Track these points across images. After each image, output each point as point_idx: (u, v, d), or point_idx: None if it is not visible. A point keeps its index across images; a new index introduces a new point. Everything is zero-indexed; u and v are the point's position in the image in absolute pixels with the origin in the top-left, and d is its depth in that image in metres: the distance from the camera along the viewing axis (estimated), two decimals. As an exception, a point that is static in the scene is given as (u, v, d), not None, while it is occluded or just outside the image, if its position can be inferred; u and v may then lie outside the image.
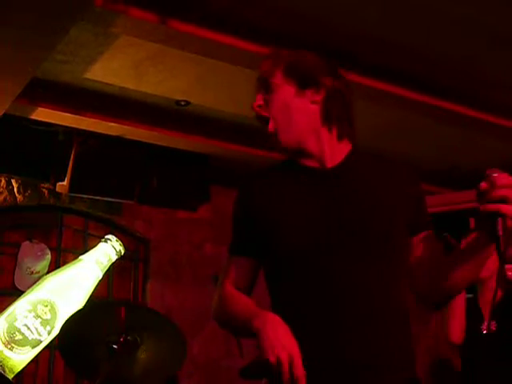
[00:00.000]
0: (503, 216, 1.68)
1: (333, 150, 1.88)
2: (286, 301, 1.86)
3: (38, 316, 3.49)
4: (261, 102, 1.90)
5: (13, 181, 4.41)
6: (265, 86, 1.90)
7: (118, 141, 4.27)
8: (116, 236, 3.92)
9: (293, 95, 1.87)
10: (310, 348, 1.69)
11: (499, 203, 1.68)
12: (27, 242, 4.41)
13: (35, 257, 4.37)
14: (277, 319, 1.72)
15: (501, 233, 1.69)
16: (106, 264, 3.81)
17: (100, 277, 3.78)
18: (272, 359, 1.62)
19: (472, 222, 4.13)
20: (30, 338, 3.47)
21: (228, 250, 2.03)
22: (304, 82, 1.86)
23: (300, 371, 1.62)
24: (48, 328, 3.50)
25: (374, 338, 1.75)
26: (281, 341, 1.66)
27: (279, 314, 1.75)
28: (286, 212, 1.85)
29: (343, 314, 1.76)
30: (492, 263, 1.91)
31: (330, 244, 1.79)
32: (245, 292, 1.95)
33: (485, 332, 3.18)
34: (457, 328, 3.27)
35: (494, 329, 3.14)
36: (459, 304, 3.27)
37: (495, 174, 1.73)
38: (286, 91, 1.87)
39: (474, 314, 3.29)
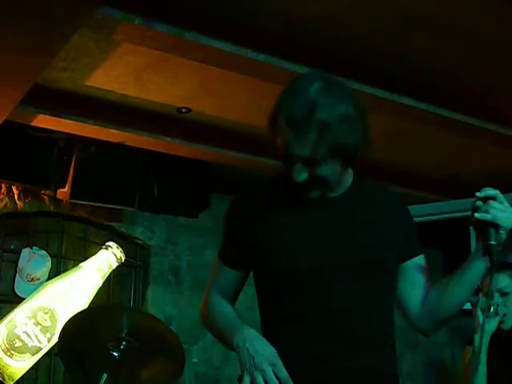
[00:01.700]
0: (495, 226, 1.74)
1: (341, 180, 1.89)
2: (273, 315, 1.90)
3: (38, 323, 3.49)
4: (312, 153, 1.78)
5: (13, 187, 4.40)
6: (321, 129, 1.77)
7: (119, 148, 4.27)
8: (116, 243, 3.93)
9: None
10: (294, 362, 1.75)
11: (489, 213, 1.77)
12: (28, 249, 4.41)
13: (36, 264, 4.37)
14: (255, 335, 1.80)
15: (492, 242, 1.74)
16: (107, 271, 3.81)
17: (100, 284, 3.78)
18: (245, 379, 1.73)
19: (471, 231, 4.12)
20: (29, 345, 3.47)
21: (218, 255, 2.07)
22: None
23: (284, 373, 1.71)
24: (48, 335, 3.50)
25: (359, 361, 1.79)
26: (260, 352, 1.74)
27: (267, 328, 1.86)
28: (279, 231, 1.87)
29: (330, 333, 1.79)
30: None
31: (321, 266, 1.81)
32: (230, 301, 2.05)
33: None
34: None
35: None
36: (482, 372, 3.02)
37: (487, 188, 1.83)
38: None
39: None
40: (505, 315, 2.94)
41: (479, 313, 2.87)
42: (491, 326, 2.87)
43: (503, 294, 2.97)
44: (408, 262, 1.95)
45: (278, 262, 1.85)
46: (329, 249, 1.83)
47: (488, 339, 2.86)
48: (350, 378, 1.78)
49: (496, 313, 2.86)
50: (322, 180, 1.79)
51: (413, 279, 1.95)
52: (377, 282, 1.85)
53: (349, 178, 1.93)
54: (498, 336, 2.93)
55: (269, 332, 1.87)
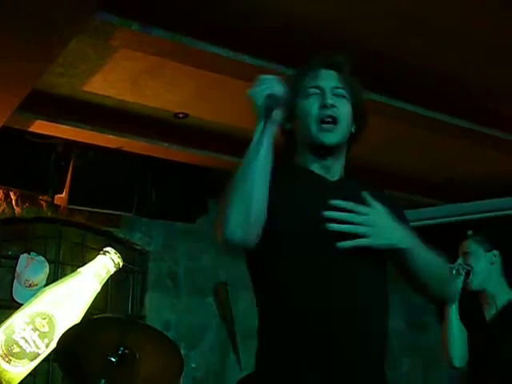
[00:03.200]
0: None
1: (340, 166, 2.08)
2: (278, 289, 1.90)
3: (36, 329, 3.49)
4: (341, 86, 2.06)
5: (11, 193, 4.41)
6: (346, 78, 2.08)
7: (117, 153, 4.27)
8: (114, 248, 3.93)
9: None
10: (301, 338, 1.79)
11: None
12: (25, 255, 4.41)
13: (33, 269, 4.36)
14: None
15: None
16: (105, 276, 3.81)
17: (98, 289, 3.78)
18: None
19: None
20: (27, 351, 3.47)
21: None
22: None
23: None
24: (46, 341, 3.50)
25: (361, 335, 1.83)
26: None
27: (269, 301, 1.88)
28: (288, 203, 1.92)
29: (331, 304, 1.83)
30: None
31: (324, 239, 1.85)
32: None
33: None
34: (457, 349, 3.23)
35: None
36: (455, 322, 3.24)
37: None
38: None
39: (479, 335, 3.25)
40: (469, 272, 3.27)
41: None
42: (458, 284, 3.20)
43: (465, 254, 3.32)
44: None
45: (285, 230, 1.88)
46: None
47: (458, 296, 3.22)
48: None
49: (459, 273, 3.21)
50: (339, 116, 2.00)
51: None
52: (375, 264, 1.92)
53: (342, 168, 2.09)
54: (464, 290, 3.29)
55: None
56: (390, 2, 2.88)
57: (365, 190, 1.96)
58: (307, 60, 2.13)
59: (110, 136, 4.04)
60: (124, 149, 4.24)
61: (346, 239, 1.82)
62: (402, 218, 2.02)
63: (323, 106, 2.00)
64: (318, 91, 2.03)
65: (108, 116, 3.95)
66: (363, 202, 1.90)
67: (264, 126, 1.84)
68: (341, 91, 2.04)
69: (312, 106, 2.01)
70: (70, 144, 4.19)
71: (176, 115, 3.99)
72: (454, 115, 3.89)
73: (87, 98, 3.75)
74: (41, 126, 3.89)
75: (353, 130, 2.08)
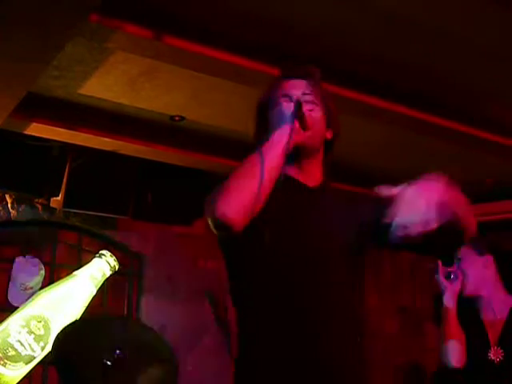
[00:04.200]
0: None
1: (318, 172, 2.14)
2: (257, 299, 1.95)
3: (31, 332, 3.48)
4: (310, 92, 2.11)
5: (7, 196, 4.40)
6: (315, 86, 2.13)
7: (113, 156, 4.27)
8: (110, 251, 3.93)
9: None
10: (282, 348, 1.84)
11: None
12: (21, 258, 4.40)
13: (29, 272, 4.35)
14: None
15: None
16: (100, 279, 3.81)
17: (94, 292, 3.78)
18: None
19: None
20: (23, 354, 3.46)
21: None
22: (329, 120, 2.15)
23: None
24: (41, 344, 3.49)
25: (336, 343, 1.90)
26: None
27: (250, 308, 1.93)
28: (269, 213, 1.92)
29: (309, 314, 1.90)
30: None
31: (301, 247, 1.95)
32: None
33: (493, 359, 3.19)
34: (455, 351, 3.24)
35: (501, 358, 3.15)
36: (453, 324, 3.25)
37: None
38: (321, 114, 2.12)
39: (478, 336, 3.26)
40: (463, 277, 3.37)
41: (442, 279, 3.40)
42: (456, 287, 3.34)
43: (459, 259, 3.40)
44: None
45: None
46: (309, 233, 1.98)
47: (456, 297, 3.33)
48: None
49: (456, 276, 3.35)
50: (310, 120, 2.02)
51: None
52: (345, 268, 2.01)
53: (322, 175, 2.14)
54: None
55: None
56: (387, 7, 2.88)
57: (340, 197, 2.09)
58: (303, 63, 2.15)
59: (106, 139, 4.04)
60: (120, 152, 4.24)
61: (322, 252, 1.91)
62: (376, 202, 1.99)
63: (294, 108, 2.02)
64: (287, 99, 2.07)
65: (104, 119, 3.94)
66: (339, 210, 2.02)
67: (291, 128, 1.89)
68: (310, 97, 2.08)
69: (283, 112, 2.04)
70: (65, 147, 4.18)
71: (172, 118, 3.99)
72: (452, 120, 3.89)
73: (83, 100, 3.75)
74: (36, 129, 3.88)
75: (328, 136, 2.13)
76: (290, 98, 2.05)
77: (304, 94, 2.07)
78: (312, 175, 2.09)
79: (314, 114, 2.06)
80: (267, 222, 1.87)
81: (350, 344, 1.94)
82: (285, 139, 1.87)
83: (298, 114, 1.94)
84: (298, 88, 2.09)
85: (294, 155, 2.02)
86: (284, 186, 1.98)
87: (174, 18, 2.93)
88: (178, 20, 2.94)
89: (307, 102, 2.05)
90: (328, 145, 2.14)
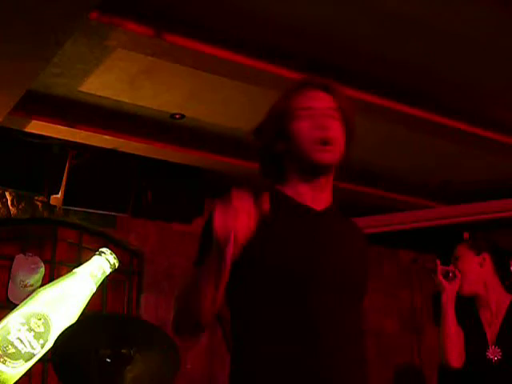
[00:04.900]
0: None
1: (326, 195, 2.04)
2: (260, 321, 1.90)
3: (31, 329, 3.48)
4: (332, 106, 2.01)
5: (7, 193, 4.40)
6: (335, 100, 2.02)
7: (113, 154, 4.27)
8: (110, 249, 3.93)
9: None
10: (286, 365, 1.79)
11: None
12: (21, 255, 4.40)
13: (29, 270, 4.36)
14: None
15: None
16: (100, 277, 3.81)
17: (94, 290, 3.78)
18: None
19: (465, 236, 4.14)
20: (23, 352, 3.46)
21: (194, 263, 2.13)
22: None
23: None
24: (41, 341, 3.49)
25: (344, 363, 1.85)
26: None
27: (252, 334, 1.88)
28: (272, 236, 1.89)
29: (318, 336, 1.83)
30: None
31: (311, 274, 1.87)
32: None
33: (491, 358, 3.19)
34: (454, 350, 3.23)
35: (499, 357, 3.15)
36: (452, 323, 3.25)
37: None
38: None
39: (476, 335, 3.26)
40: (459, 277, 3.34)
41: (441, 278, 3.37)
42: (454, 286, 3.31)
43: (455, 258, 3.38)
44: None
45: (271, 265, 1.87)
46: (319, 258, 1.90)
47: (454, 297, 3.32)
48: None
49: (454, 275, 3.32)
50: (333, 137, 1.94)
51: None
52: (357, 293, 1.97)
53: (331, 195, 2.06)
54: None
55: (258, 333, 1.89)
56: (386, 6, 2.88)
57: (345, 222, 2.06)
58: (304, 61, 2.13)
59: (106, 136, 4.04)
60: (120, 149, 4.24)
61: (327, 278, 1.87)
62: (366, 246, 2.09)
63: (317, 127, 1.94)
64: (310, 112, 1.97)
65: (104, 116, 3.94)
66: (347, 236, 2.00)
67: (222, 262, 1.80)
68: (333, 113, 1.98)
69: (305, 128, 1.95)
70: (65, 144, 4.18)
71: (172, 116, 3.99)
72: (451, 118, 3.89)
73: (83, 98, 3.75)
74: (36, 127, 3.88)
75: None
76: (313, 110, 1.96)
77: (327, 108, 1.97)
78: (325, 192, 2.02)
79: (336, 130, 1.96)
80: (273, 252, 1.87)
81: (358, 360, 1.90)
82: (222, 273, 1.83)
83: None
84: (319, 100, 1.99)
85: (314, 171, 1.97)
86: (291, 213, 1.96)
87: (174, 16, 2.93)
88: (179, 18, 2.94)
89: (328, 116, 1.96)
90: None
